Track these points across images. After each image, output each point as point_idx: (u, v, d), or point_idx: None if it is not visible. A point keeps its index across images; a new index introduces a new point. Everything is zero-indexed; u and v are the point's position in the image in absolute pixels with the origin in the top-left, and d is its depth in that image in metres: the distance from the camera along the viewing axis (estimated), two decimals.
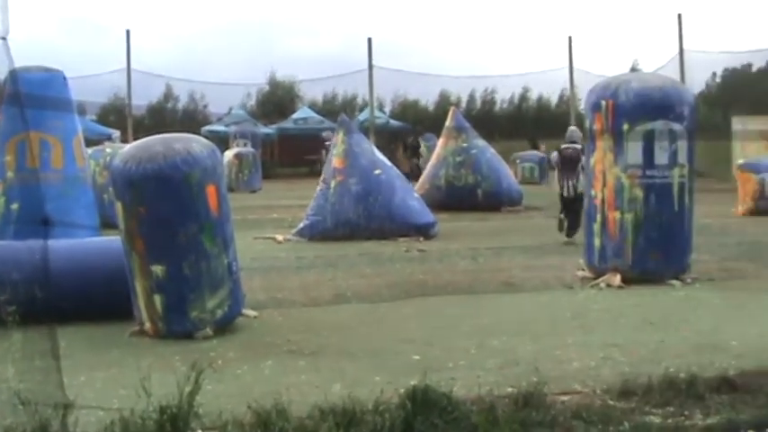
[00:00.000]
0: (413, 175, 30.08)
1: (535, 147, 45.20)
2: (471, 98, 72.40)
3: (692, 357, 7.29)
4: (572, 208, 16.15)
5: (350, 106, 53.46)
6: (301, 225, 17.12)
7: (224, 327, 8.73)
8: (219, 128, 45.73)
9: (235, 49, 76.23)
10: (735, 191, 22.23)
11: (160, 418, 5.23)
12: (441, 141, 24.63)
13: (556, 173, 17.78)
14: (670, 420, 5.63)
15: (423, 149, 40.43)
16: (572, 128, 18.61)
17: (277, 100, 56.14)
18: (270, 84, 56.38)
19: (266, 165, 41.41)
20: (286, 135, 48.63)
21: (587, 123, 11.85)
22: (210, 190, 8.65)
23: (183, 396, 5.32)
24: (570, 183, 16.46)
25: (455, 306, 10.01)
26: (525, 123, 57.07)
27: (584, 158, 14.24)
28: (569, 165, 16.56)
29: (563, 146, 17.02)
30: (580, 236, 12.77)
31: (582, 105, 20.78)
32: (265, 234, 17.15)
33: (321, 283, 11.67)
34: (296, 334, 8.51)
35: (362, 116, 48.13)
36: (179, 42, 78.17)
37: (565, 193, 16.46)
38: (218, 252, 8.69)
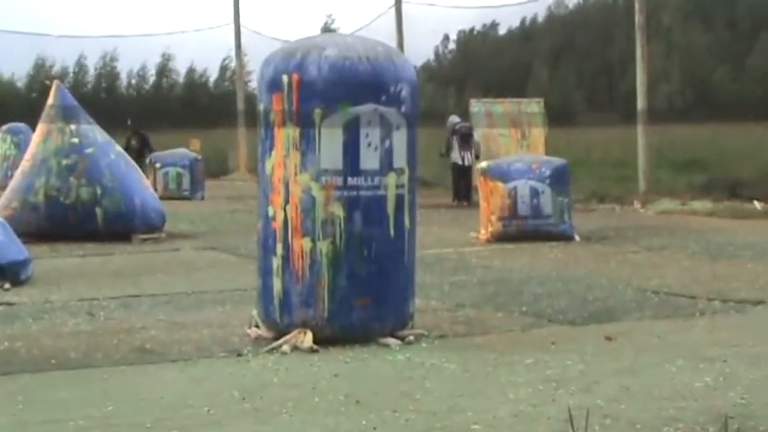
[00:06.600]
0: None
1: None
2: (82, 68, 71.41)
3: None
4: (465, 177, 33.42)
5: None
6: None
7: None
8: None
9: None
10: (476, 206, 23.14)
11: None
12: (37, 135, 24.11)
13: (455, 147, 33.32)
14: None
15: None
16: (452, 116, 34.99)
17: None
18: None
19: None
20: None
21: (261, 108, 11.80)
22: None
23: None
24: (467, 154, 33.15)
25: (62, 388, 9.81)
26: (169, 107, 57.26)
27: (475, 134, 34.11)
28: (465, 139, 33.24)
29: (458, 125, 33.81)
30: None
31: (254, 82, 20.94)
32: None
33: None
34: None
35: None
36: None
37: (466, 163, 33.08)
38: None
